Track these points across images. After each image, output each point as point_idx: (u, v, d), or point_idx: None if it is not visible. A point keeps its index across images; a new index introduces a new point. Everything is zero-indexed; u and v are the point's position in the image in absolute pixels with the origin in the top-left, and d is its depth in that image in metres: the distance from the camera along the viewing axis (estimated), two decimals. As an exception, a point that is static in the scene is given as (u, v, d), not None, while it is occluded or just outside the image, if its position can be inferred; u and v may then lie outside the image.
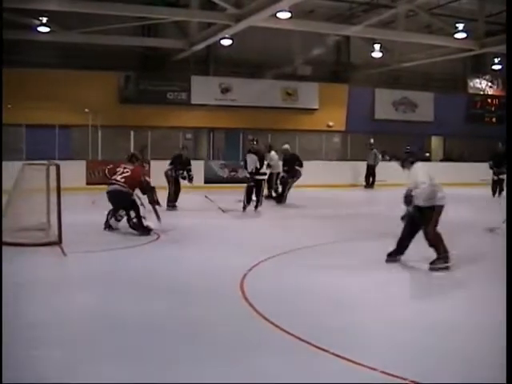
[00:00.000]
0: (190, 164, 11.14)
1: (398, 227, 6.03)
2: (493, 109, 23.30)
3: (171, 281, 5.40)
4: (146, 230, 7.96)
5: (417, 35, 16.21)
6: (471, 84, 23.19)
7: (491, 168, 12.93)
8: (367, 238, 7.76)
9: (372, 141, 18.44)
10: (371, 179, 17.80)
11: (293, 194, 12.23)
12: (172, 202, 10.80)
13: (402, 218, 5.87)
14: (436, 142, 23.51)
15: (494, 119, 23.19)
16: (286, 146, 12.97)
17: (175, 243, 7.53)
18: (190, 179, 11.02)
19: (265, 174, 11.12)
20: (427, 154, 21.62)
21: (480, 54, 17.95)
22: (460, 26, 15.61)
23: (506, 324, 3.15)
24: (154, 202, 8.49)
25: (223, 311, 4.45)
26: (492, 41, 16.01)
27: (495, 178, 12.84)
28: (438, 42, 16.55)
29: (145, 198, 8.32)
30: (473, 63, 22.85)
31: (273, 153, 12.91)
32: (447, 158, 22.22)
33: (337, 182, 17.45)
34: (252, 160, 10.70)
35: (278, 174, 12.50)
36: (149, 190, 8.38)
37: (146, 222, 8.05)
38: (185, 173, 11.03)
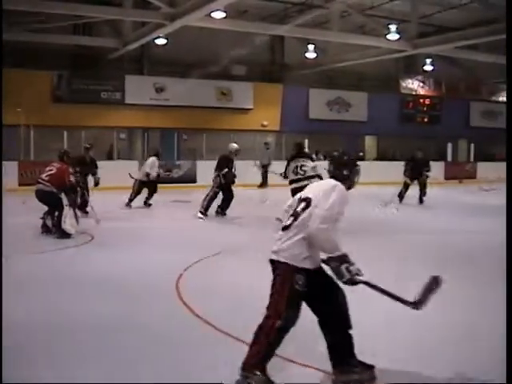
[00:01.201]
0: (96, 166, 10.75)
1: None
2: (425, 109, 25.04)
3: (105, 282, 5.55)
4: (63, 234, 7.87)
5: (350, 36, 17.08)
6: (404, 84, 24.76)
7: (405, 173, 13.17)
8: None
9: (269, 140, 19.31)
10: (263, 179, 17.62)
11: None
12: (83, 208, 9.96)
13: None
14: (370, 142, 24.80)
15: (425, 119, 25.01)
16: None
17: (107, 245, 7.60)
18: (96, 183, 10.71)
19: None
20: (361, 154, 22.86)
21: (412, 54, 19.16)
22: (393, 27, 16.31)
23: (506, 324, 3.25)
24: (74, 204, 8.44)
25: (157, 309, 4.66)
26: (424, 42, 17.05)
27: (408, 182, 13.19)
28: (371, 42, 17.43)
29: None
30: (405, 64, 24.30)
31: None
32: (380, 157, 23.48)
33: (271, 182, 17.50)
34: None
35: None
36: (70, 192, 8.28)
37: (64, 225, 7.96)
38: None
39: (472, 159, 23.86)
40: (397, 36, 16.50)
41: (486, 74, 24.94)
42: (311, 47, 19.82)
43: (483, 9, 16.07)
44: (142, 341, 3.94)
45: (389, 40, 16.62)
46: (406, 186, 13.12)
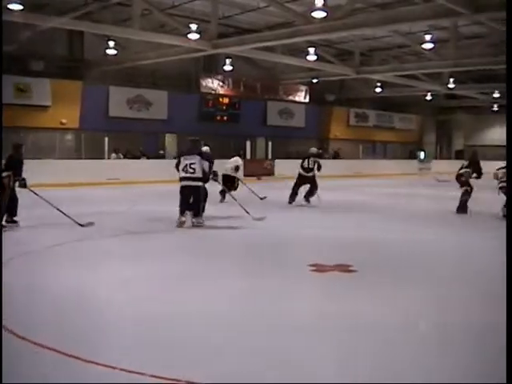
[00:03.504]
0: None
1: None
2: (224, 108, 27.80)
3: None
4: None
5: (151, 34, 18.27)
6: (204, 84, 26.94)
7: None
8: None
9: None
10: None
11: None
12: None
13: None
14: (170, 140, 26.55)
15: (225, 118, 27.78)
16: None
17: None
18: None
19: None
20: (161, 152, 24.85)
21: (213, 54, 21.21)
22: (193, 27, 17.66)
23: (506, 324, 3.51)
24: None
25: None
26: (224, 42, 18.91)
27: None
28: (171, 41, 18.80)
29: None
30: (206, 63, 26.64)
31: None
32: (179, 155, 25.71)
33: (74, 181, 18.61)
34: None
35: None
36: None
37: None
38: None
39: (270, 157, 27.34)
40: (197, 36, 17.72)
41: (282, 75, 28.49)
42: (111, 44, 20.70)
43: (280, 12, 18.29)
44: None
45: (189, 39, 17.97)
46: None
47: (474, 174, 12.80)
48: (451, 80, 28.31)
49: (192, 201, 9.98)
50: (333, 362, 3.88)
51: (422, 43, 20.59)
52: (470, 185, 12.77)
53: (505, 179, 11.51)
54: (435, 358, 3.93)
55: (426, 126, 41.02)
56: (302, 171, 14.16)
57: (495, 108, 37.66)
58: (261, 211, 11.42)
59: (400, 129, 38.34)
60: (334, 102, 33.43)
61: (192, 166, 9.86)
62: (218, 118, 27.50)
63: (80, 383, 3.48)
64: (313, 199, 14.05)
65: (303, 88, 31.16)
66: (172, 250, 8.09)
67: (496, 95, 31.54)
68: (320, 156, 17.56)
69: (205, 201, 10.26)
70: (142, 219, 10.96)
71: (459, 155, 41.46)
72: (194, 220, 9.97)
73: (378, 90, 30.87)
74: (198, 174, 9.88)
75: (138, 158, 23.35)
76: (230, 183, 13.75)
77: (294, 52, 22.87)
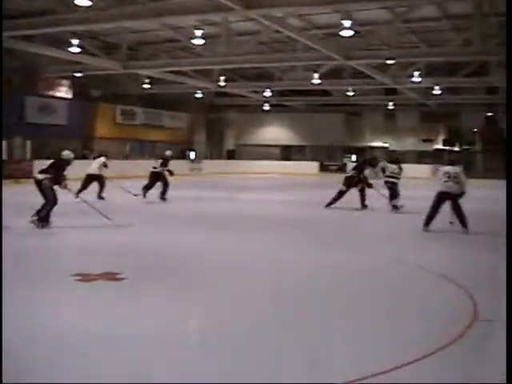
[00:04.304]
0: None
1: None
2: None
3: None
4: None
5: None
6: None
7: None
8: None
9: None
10: None
11: None
12: None
13: None
14: None
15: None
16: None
17: None
18: None
19: None
20: None
21: None
22: None
23: (506, 324, 3.87)
24: None
25: None
26: None
27: None
28: None
29: None
30: None
31: None
32: None
33: None
34: None
35: None
36: None
37: None
38: None
39: (29, 157, 27.58)
40: None
41: (42, 68, 28.42)
42: None
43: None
44: None
45: None
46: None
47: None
48: (222, 78, 30.48)
49: None
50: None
51: (192, 38, 21.89)
52: (368, 183, 16.61)
53: (389, 174, 16.51)
54: (191, 376, 4.45)
55: (196, 125, 43.13)
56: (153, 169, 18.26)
57: (266, 107, 41.36)
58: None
59: (170, 127, 40.10)
60: (100, 98, 34.04)
61: None
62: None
63: (84, 383, 4.16)
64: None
65: (66, 82, 31.43)
66: None
67: (267, 94, 34.19)
68: (84, 157, 20.49)
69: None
70: None
71: (231, 155, 45.02)
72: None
73: (147, 86, 32.14)
74: None
75: None
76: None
77: (56, 43, 23.11)
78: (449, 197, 12.31)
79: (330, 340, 5.30)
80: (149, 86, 32.30)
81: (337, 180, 17.81)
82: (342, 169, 39.56)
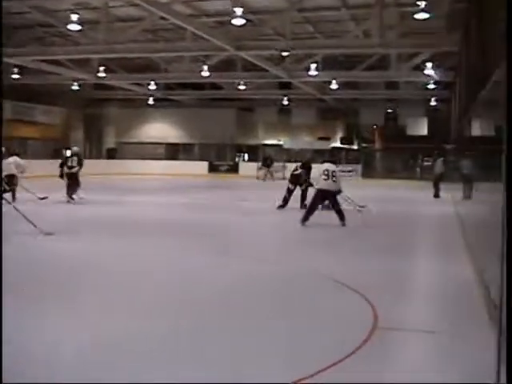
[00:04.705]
0: None
1: None
2: None
3: None
4: None
5: None
6: None
7: None
8: None
9: None
10: None
11: None
12: None
13: None
14: None
15: None
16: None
17: None
18: None
19: None
20: None
21: None
22: None
23: (506, 324, 3.90)
24: None
25: None
26: None
27: None
28: None
29: None
30: None
31: None
32: None
33: None
34: None
35: None
36: None
37: None
38: None
39: None
40: None
41: None
42: None
43: None
44: None
45: None
46: None
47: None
48: (101, 68, 29.71)
49: None
50: None
51: (68, 24, 21.05)
52: (309, 182, 16.71)
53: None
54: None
55: (72, 121, 42.01)
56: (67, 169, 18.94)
57: (151, 102, 40.78)
58: None
59: (43, 123, 38.79)
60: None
61: None
62: None
63: (81, 383, 4.21)
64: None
65: None
66: None
67: (152, 87, 33.70)
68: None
69: None
70: None
71: (111, 154, 44.07)
72: None
73: (16, 76, 30.78)
74: None
75: None
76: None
77: None
78: (328, 194, 13.61)
79: (223, 357, 5.20)
80: (18, 76, 30.85)
81: (230, 182, 17.69)
82: (233, 169, 39.61)
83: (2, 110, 16.28)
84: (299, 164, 18.39)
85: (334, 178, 13.51)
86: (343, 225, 13.56)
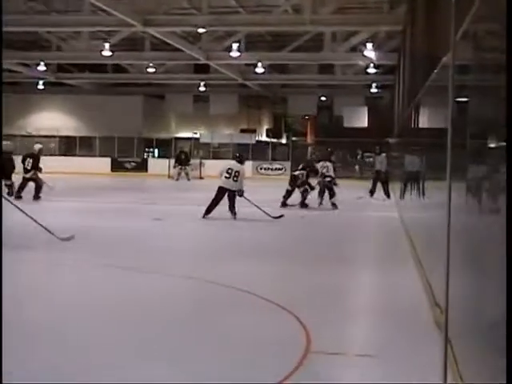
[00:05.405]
0: None
1: None
2: None
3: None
4: None
5: None
6: None
7: None
8: None
9: None
10: None
11: None
12: None
13: None
14: None
15: None
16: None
17: None
18: None
19: None
20: None
21: None
22: None
23: (506, 324, 3.84)
24: None
25: None
26: None
27: None
28: None
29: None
30: None
31: None
32: None
33: None
34: None
35: None
36: None
37: None
38: None
39: None
40: None
41: None
42: None
43: None
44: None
45: None
46: None
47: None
48: None
49: None
50: None
51: None
52: (310, 184, 18.65)
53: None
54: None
55: None
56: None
57: (40, 86, 39.43)
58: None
59: None
60: None
61: None
62: None
63: (78, 383, 4.69)
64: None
65: None
66: None
67: (42, 68, 32.39)
68: None
69: None
70: None
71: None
72: None
73: None
74: None
75: None
76: None
77: None
78: (227, 192, 15.41)
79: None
80: None
81: (137, 181, 17.27)
82: (141, 166, 38.78)
83: (2, 108, 15.77)
84: (304, 164, 19.78)
85: (235, 178, 15.31)
86: (234, 219, 15.44)
